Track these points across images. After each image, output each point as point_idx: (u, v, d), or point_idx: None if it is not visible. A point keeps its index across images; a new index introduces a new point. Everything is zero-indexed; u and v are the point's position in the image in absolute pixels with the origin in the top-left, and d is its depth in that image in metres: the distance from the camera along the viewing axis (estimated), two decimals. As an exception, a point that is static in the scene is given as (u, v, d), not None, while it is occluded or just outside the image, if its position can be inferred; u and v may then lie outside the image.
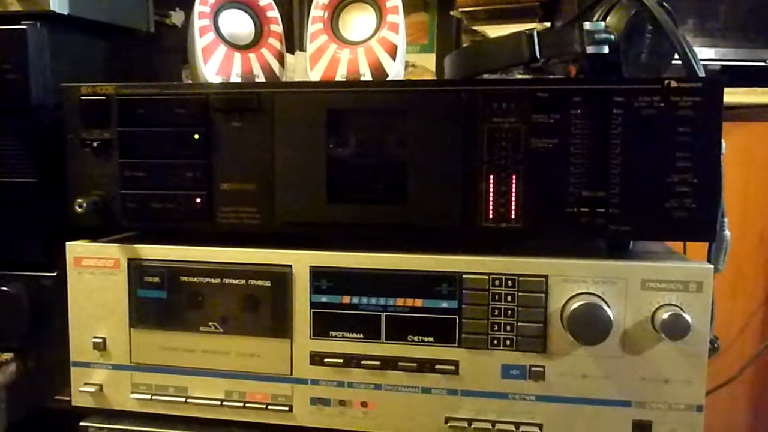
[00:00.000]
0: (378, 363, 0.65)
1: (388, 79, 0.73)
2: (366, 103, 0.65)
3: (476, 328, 0.63)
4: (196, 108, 0.67)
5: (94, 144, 0.69)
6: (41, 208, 0.73)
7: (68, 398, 0.72)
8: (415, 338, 0.65)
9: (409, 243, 0.66)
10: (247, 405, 0.68)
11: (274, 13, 0.79)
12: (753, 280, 1.14)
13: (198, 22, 0.74)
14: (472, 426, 0.64)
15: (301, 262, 0.66)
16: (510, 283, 0.63)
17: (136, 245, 0.69)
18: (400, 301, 0.64)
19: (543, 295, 0.62)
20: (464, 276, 0.63)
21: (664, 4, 0.65)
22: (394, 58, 0.73)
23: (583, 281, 0.61)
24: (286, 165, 0.66)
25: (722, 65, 1.12)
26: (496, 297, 0.63)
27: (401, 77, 0.75)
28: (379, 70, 0.73)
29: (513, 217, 0.63)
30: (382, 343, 0.65)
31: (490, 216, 0.63)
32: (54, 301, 0.73)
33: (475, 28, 1.22)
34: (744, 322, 1.14)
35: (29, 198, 0.73)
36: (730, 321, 1.14)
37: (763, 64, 1.12)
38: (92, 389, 0.70)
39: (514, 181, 0.62)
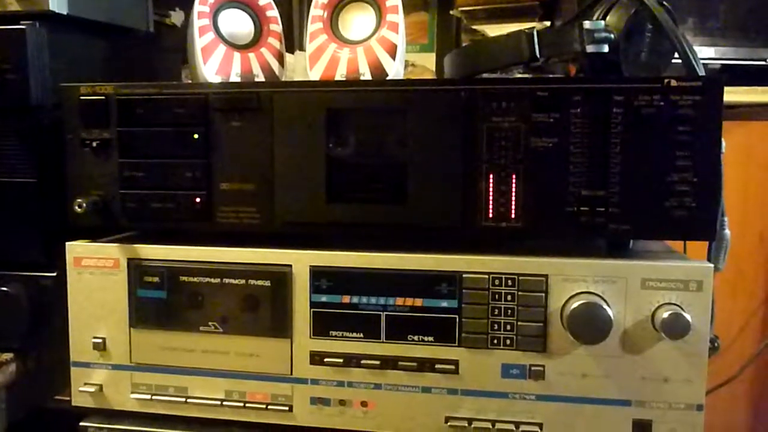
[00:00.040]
0: (378, 362, 0.65)
1: (387, 78, 0.73)
2: (366, 103, 0.65)
3: (476, 327, 0.63)
4: (196, 108, 0.67)
5: (94, 144, 0.69)
6: (41, 208, 0.73)
7: (68, 398, 0.72)
8: (415, 338, 0.64)
9: (409, 243, 0.66)
10: (247, 405, 0.68)
11: (273, 12, 0.79)
12: (753, 280, 1.14)
13: (197, 22, 0.74)
14: (472, 425, 0.64)
15: (300, 261, 0.66)
16: (510, 282, 0.62)
17: (135, 245, 0.69)
18: (400, 301, 0.64)
19: (543, 294, 0.62)
20: (464, 275, 0.63)
21: (664, 3, 0.65)
22: (393, 57, 0.73)
23: (583, 280, 0.61)
24: (286, 165, 0.66)
25: (722, 64, 1.12)
26: (496, 296, 0.63)
27: (401, 77, 0.75)
28: (378, 70, 0.73)
29: (513, 216, 0.63)
30: (382, 342, 0.65)
31: (490, 215, 0.63)
32: (54, 301, 0.73)
33: (474, 27, 1.23)
34: (744, 321, 1.14)
35: (29, 198, 0.73)
36: (730, 320, 1.14)
37: (762, 63, 1.12)
38: (92, 389, 0.70)
39: (513, 180, 0.62)
